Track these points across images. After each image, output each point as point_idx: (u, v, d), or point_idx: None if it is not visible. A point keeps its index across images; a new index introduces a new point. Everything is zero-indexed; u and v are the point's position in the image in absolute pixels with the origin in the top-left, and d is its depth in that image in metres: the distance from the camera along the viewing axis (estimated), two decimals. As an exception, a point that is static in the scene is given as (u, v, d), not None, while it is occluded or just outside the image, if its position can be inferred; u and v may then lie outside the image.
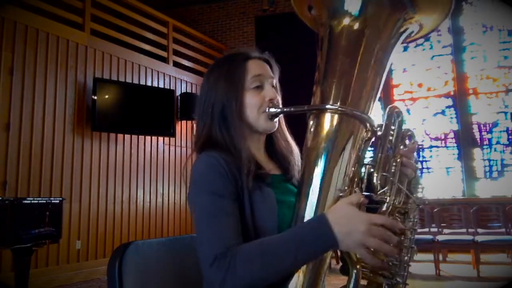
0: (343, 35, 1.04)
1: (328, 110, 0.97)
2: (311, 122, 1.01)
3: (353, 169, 0.95)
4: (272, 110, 1.01)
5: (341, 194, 0.91)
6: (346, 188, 0.93)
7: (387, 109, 1.00)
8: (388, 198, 0.90)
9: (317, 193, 0.93)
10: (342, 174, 0.94)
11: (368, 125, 0.94)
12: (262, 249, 0.85)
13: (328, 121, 0.97)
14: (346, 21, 1.04)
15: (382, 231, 0.82)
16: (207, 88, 1.04)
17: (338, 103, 0.97)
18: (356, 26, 1.03)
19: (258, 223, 0.92)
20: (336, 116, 0.96)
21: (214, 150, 0.96)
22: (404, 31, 1.04)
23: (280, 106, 1.03)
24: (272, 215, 0.94)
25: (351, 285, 0.86)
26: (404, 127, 1.02)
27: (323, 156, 0.95)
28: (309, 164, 0.97)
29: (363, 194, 0.88)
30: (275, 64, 1.09)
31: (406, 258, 0.89)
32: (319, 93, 1.02)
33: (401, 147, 0.98)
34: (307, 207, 0.93)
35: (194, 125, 1.10)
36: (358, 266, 0.87)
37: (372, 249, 0.83)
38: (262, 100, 1.01)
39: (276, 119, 1.04)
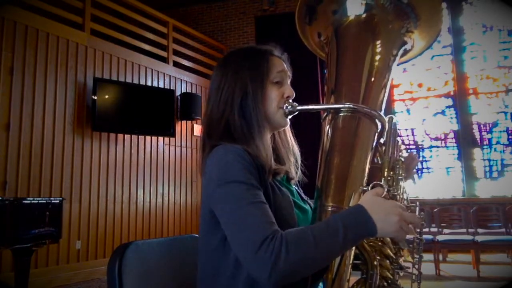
0: (350, 39, 1.10)
1: (343, 109, 1.01)
2: (327, 126, 1.04)
3: (368, 165, 1.01)
4: (289, 107, 1.03)
5: (364, 188, 0.96)
6: (366, 183, 0.99)
7: (387, 118, 1.05)
8: (398, 196, 0.97)
9: (341, 187, 0.97)
10: (361, 170, 0.99)
11: (379, 124, 1.00)
12: (312, 230, 0.84)
13: (345, 121, 1.02)
14: (351, 25, 1.09)
15: (411, 214, 0.89)
16: (227, 77, 1.03)
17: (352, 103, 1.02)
18: (362, 27, 1.09)
19: (281, 220, 0.91)
20: (351, 116, 1.01)
21: (234, 143, 0.95)
22: (405, 42, 1.09)
23: (296, 104, 1.04)
24: (292, 213, 0.96)
25: (373, 275, 0.90)
26: (404, 127, 1.07)
27: (343, 154, 1.00)
28: (329, 162, 1.00)
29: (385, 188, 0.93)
30: (289, 66, 1.11)
31: (418, 249, 0.97)
32: (333, 100, 1.06)
33: (400, 153, 1.04)
34: (332, 200, 0.96)
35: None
36: (375, 262, 0.91)
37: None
38: (281, 95, 1.04)
39: (290, 117, 1.06)
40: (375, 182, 0.95)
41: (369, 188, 0.94)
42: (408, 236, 0.90)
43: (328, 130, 1.03)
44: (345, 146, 1.01)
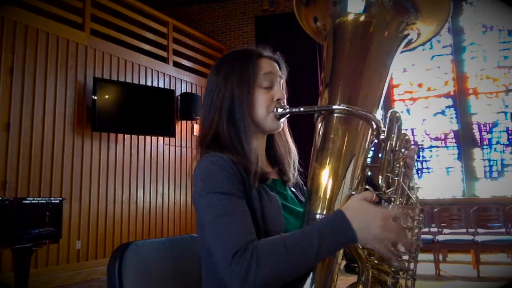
0: (349, 38, 1.06)
1: (336, 111, 0.97)
2: (319, 125, 1.01)
3: (361, 168, 0.96)
4: (280, 110, 1.00)
5: (353, 192, 0.92)
6: (359, 187, 0.94)
7: (389, 113, 1.02)
8: (394, 197, 0.92)
9: (329, 193, 0.93)
10: (352, 174, 0.94)
11: (374, 125, 0.96)
12: (285, 241, 0.84)
13: (337, 123, 0.98)
14: (351, 24, 1.05)
15: (397, 224, 0.84)
16: (217, 82, 1.02)
17: (345, 104, 0.97)
18: (361, 28, 1.05)
19: (267, 225, 0.91)
20: (344, 118, 0.97)
21: (220, 152, 0.95)
22: (405, 36, 1.06)
23: (287, 106, 1.02)
24: (279, 218, 0.94)
25: (364, 281, 0.87)
26: (403, 127, 1.04)
27: (333, 157, 0.96)
28: (319, 166, 0.96)
29: (375, 192, 0.90)
30: (284, 65, 1.09)
31: (414, 254, 0.92)
32: (327, 95, 1.03)
33: (403, 150, 1.00)
34: (319, 206, 0.93)
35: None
36: (367, 264, 0.88)
37: (388, 243, 0.84)
38: (270, 99, 1.01)
39: (282, 120, 1.03)
40: (365, 186, 0.93)
41: (358, 192, 0.91)
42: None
43: (320, 130, 1.00)
44: (336, 148, 0.96)
